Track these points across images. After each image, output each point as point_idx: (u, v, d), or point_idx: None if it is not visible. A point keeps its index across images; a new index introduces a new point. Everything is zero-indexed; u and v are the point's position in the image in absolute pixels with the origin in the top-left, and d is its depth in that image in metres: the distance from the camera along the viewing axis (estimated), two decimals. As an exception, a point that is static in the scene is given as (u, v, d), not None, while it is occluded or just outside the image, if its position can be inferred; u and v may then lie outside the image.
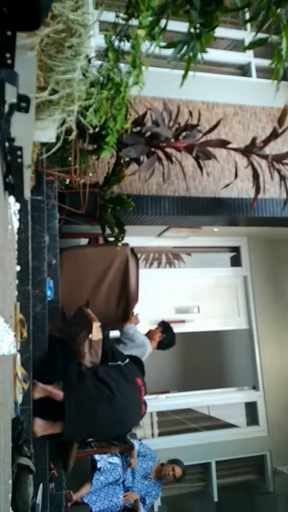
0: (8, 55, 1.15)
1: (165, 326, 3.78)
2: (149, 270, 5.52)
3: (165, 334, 3.73)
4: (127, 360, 3.02)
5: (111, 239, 3.74)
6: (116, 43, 2.07)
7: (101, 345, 2.89)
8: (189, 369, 6.69)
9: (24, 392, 2.30)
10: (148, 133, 3.49)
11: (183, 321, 5.44)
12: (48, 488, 2.72)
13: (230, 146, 3.82)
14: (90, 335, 2.82)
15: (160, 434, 5.45)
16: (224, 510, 5.60)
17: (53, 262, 3.22)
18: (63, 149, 3.03)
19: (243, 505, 5.72)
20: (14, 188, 2.00)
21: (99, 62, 2.08)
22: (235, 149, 3.88)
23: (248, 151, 3.86)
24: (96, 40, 2.96)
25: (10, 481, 1.80)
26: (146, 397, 3.00)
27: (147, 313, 4.61)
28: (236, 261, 5.94)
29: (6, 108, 1.37)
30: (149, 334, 3.73)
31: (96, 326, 2.85)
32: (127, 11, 1.98)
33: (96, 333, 2.84)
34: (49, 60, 1.51)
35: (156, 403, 5.11)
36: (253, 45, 1.78)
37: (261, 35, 1.77)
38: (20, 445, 1.94)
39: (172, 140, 3.56)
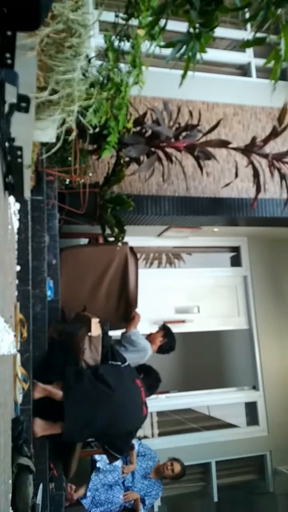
0: (8, 55, 1.15)
1: (166, 331, 3.76)
2: (149, 270, 5.52)
3: (166, 339, 3.71)
4: (127, 363, 3.02)
5: (111, 239, 3.74)
6: (116, 43, 2.07)
7: (101, 341, 2.89)
8: (189, 369, 6.69)
9: (24, 392, 2.30)
10: (148, 133, 3.49)
11: (183, 321, 5.44)
12: (48, 488, 2.72)
13: (230, 146, 3.82)
14: (89, 333, 2.82)
15: (160, 434, 5.45)
16: (224, 510, 5.60)
17: (53, 262, 3.22)
18: (63, 149, 3.03)
19: (243, 505, 5.72)
20: (14, 188, 2.00)
21: (99, 62, 2.08)
22: (235, 149, 3.88)
23: (248, 150, 3.86)
24: (96, 40, 2.96)
25: (10, 481, 1.80)
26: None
27: (147, 313, 4.61)
28: (236, 261, 5.94)
29: (6, 108, 1.38)
30: (150, 337, 3.72)
31: (95, 322, 2.86)
32: (127, 11, 1.98)
33: (95, 329, 2.84)
34: (49, 60, 1.51)
35: (156, 403, 5.11)
36: (250, 43, 1.78)
37: (260, 35, 1.77)
38: (20, 445, 1.94)
39: (172, 140, 3.56)
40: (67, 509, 3.24)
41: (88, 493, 3.46)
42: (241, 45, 1.76)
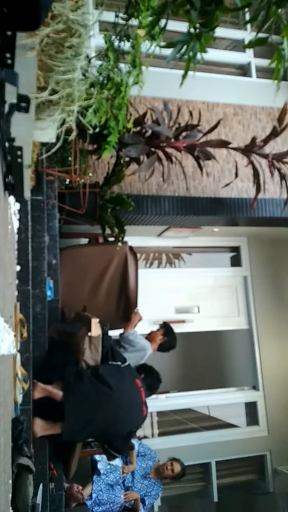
0: (8, 55, 1.15)
1: (167, 329, 3.76)
2: (149, 270, 5.52)
3: (166, 337, 3.71)
4: (127, 362, 3.02)
5: (111, 239, 3.74)
6: (116, 43, 2.07)
7: (101, 341, 2.89)
8: (189, 369, 6.69)
9: (24, 392, 2.29)
10: (148, 133, 3.49)
11: (183, 321, 5.44)
12: (48, 488, 2.71)
13: (230, 146, 3.82)
14: (89, 333, 2.82)
15: (160, 434, 5.45)
16: (224, 510, 5.60)
17: (53, 262, 3.22)
18: (63, 149, 3.03)
19: (243, 505, 5.72)
20: (14, 188, 2.00)
21: (99, 62, 2.08)
22: (235, 149, 3.88)
23: (248, 150, 3.86)
24: (96, 40, 2.96)
25: (10, 481, 1.80)
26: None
27: (147, 313, 4.61)
28: (236, 261, 5.94)
29: (6, 108, 1.37)
30: (150, 336, 3.71)
31: (95, 322, 2.85)
32: (127, 11, 1.98)
33: (95, 329, 2.83)
34: (49, 60, 1.51)
35: (156, 403, 5.11)
36: (253, 44, 1.78)
37: (261, 35, 1.77)
38: (20, 445, 1.94)
39: (172, 140, 3.56)
40: (73, 509, 3.24)
41: (94, 495, 3.47)
42: (244, 46, 1.77)
